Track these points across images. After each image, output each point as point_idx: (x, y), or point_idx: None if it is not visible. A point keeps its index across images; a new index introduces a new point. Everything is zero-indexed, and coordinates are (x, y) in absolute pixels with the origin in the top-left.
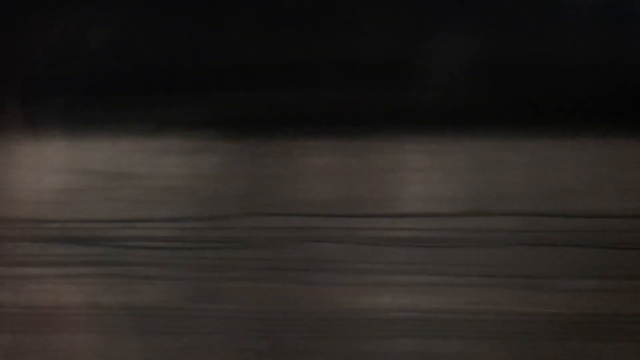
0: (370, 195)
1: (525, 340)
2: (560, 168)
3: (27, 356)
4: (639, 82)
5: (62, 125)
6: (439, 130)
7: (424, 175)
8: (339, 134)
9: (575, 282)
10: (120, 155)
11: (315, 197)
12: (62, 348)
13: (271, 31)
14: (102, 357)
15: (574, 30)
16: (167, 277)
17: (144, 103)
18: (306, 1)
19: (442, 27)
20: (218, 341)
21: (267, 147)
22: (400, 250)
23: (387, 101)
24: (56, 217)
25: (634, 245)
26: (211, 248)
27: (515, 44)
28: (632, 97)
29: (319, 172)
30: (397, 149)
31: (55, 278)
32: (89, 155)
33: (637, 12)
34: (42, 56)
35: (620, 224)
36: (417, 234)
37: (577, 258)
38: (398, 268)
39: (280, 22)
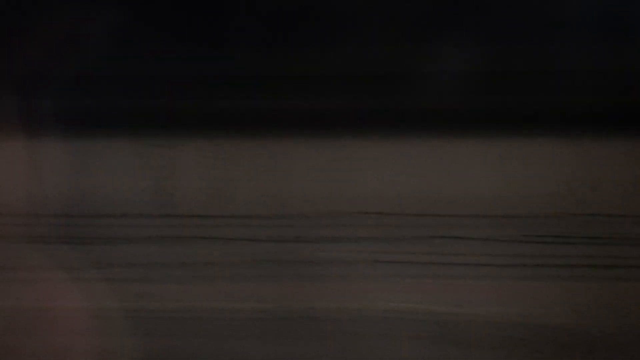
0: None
1: None
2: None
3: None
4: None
5: (61, 125)
6: (436, 132)
7: (420, 174)
8: (337, 136)
9: None
10: (122, 155)
11: (309, 196)
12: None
13: (275, 42)
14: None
15: (568, 37)
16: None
17: (143, 107)
18: (304, 12)
19: (439, 35)
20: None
21: (266, 149)
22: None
23: (383, 107)
24: (55, 217)
25: None
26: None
27: (509, 52)
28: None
29: (317, 172)
30: (391, 149)
31: (54, 278)
32: (88, 155)
33: (633, 19)
34: (41, 57)
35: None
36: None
37: None
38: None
39: (282, 34)
